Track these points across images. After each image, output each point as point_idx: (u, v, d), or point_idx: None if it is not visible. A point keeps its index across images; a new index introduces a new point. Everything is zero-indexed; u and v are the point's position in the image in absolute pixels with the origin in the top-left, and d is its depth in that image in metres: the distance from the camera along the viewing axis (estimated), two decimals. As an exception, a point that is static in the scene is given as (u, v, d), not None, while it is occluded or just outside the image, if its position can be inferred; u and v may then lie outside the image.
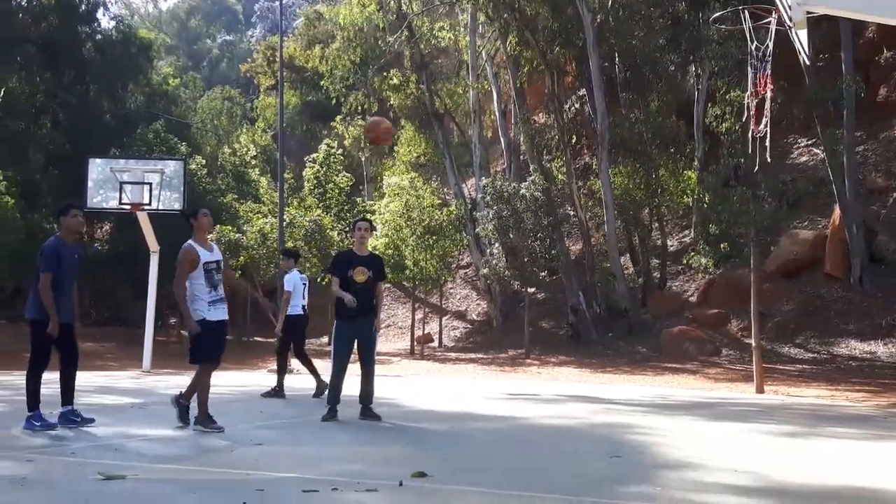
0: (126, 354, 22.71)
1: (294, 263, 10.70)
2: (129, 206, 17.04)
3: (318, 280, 23.98)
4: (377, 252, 22.77)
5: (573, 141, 28.32)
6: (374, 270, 8.02)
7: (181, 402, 7.05)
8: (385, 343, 28.73)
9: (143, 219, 17.32)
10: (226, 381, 13.87)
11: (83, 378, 15.25)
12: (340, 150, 32.67)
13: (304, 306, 10.58)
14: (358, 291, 7.83)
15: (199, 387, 7.00)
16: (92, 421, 7.13)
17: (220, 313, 6.94)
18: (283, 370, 10.78)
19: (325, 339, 29.13)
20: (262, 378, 16.16)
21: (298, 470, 5.15)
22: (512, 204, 22.38)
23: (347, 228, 29.75)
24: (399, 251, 25.00)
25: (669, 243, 27.25)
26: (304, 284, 10.68)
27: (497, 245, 23.38)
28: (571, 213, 26.59)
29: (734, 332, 21.39)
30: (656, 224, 26.53)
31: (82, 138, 28.26)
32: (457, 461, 5.69)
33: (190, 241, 6.98)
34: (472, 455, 6.04)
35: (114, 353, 24.04)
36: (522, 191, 22.44)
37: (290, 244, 21.71)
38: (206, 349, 6.88)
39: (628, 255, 26.98)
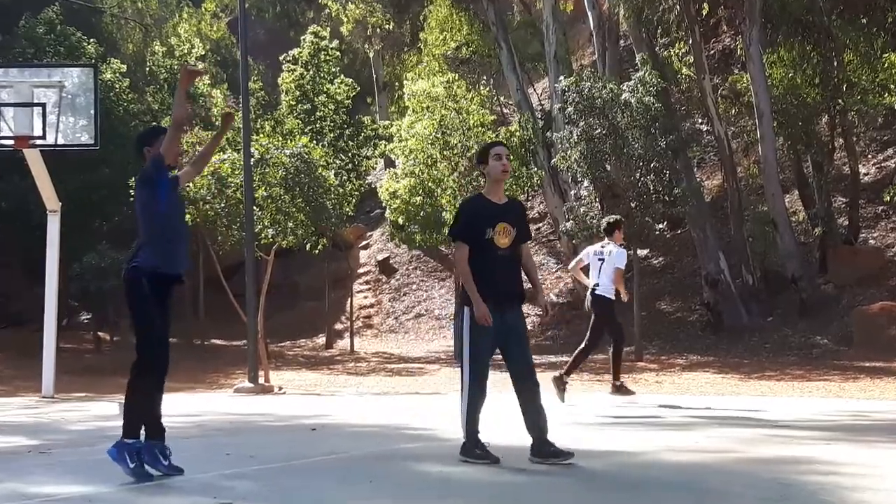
0: (16, 371, 23.09)
1: None
2: (11, 142, 17.19)
3: (310, 249, 24.15)
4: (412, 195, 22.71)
5: (704, 12, 27.94)
6: (517, 225, 7.76)
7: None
8: (415, 343, 28.88)
9: (35, 159, 17.46)
10: (173, 408, 13.97)
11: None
12: (336, 43, 32.59)
13: None
14: (500, 262, 7.61)
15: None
16: (180, 472, 7.26)
17: None
18: None
19: (321, 340, 29.40)
20: (226, 401, 16.34)
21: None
22: (609, 116, 22.20)
23: (351, 165, 29.82)
24: (432, 198, 24.91)
25: (863, 171, 26.83)
26: None
27: (587, 183, 23.24)
28: (704, 127, 26.30)
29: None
30: (841, 141, 26.24)
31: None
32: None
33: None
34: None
35: (-2, 369, 24.48)
36: (625, 95, 22.23)
37: (260, 192, 21.78)
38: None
39: (796, 192, 26.72)
